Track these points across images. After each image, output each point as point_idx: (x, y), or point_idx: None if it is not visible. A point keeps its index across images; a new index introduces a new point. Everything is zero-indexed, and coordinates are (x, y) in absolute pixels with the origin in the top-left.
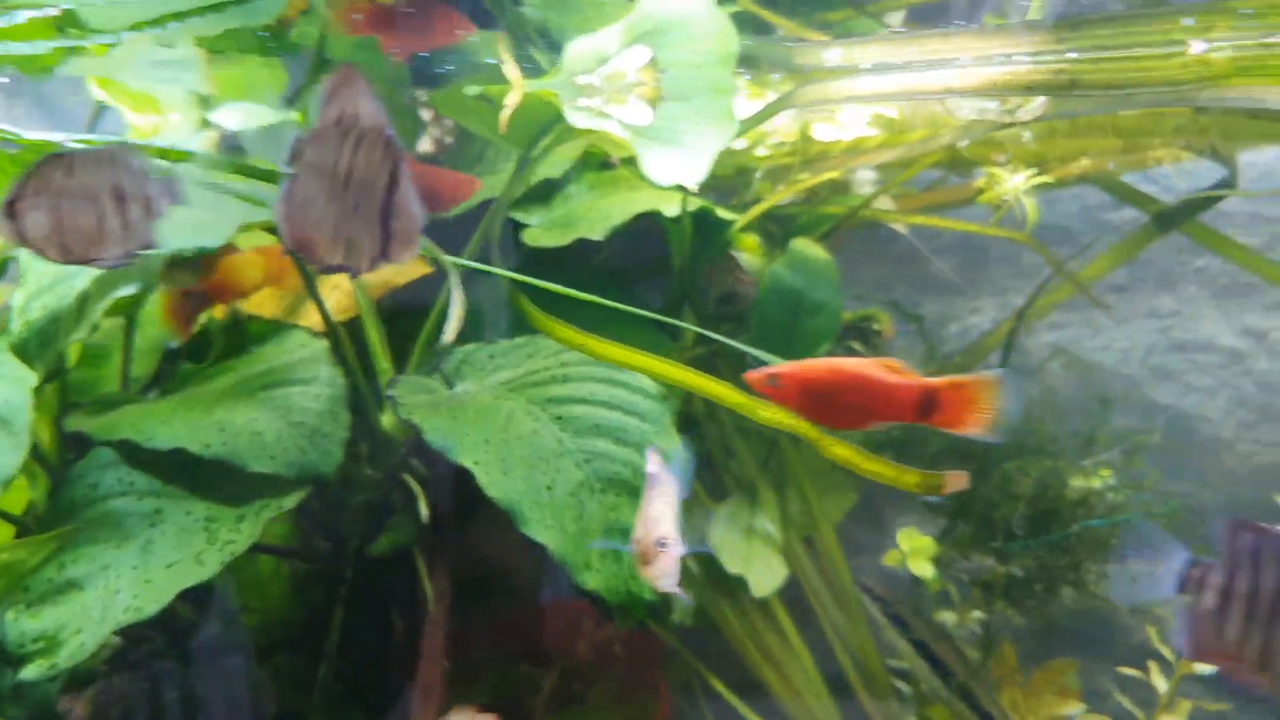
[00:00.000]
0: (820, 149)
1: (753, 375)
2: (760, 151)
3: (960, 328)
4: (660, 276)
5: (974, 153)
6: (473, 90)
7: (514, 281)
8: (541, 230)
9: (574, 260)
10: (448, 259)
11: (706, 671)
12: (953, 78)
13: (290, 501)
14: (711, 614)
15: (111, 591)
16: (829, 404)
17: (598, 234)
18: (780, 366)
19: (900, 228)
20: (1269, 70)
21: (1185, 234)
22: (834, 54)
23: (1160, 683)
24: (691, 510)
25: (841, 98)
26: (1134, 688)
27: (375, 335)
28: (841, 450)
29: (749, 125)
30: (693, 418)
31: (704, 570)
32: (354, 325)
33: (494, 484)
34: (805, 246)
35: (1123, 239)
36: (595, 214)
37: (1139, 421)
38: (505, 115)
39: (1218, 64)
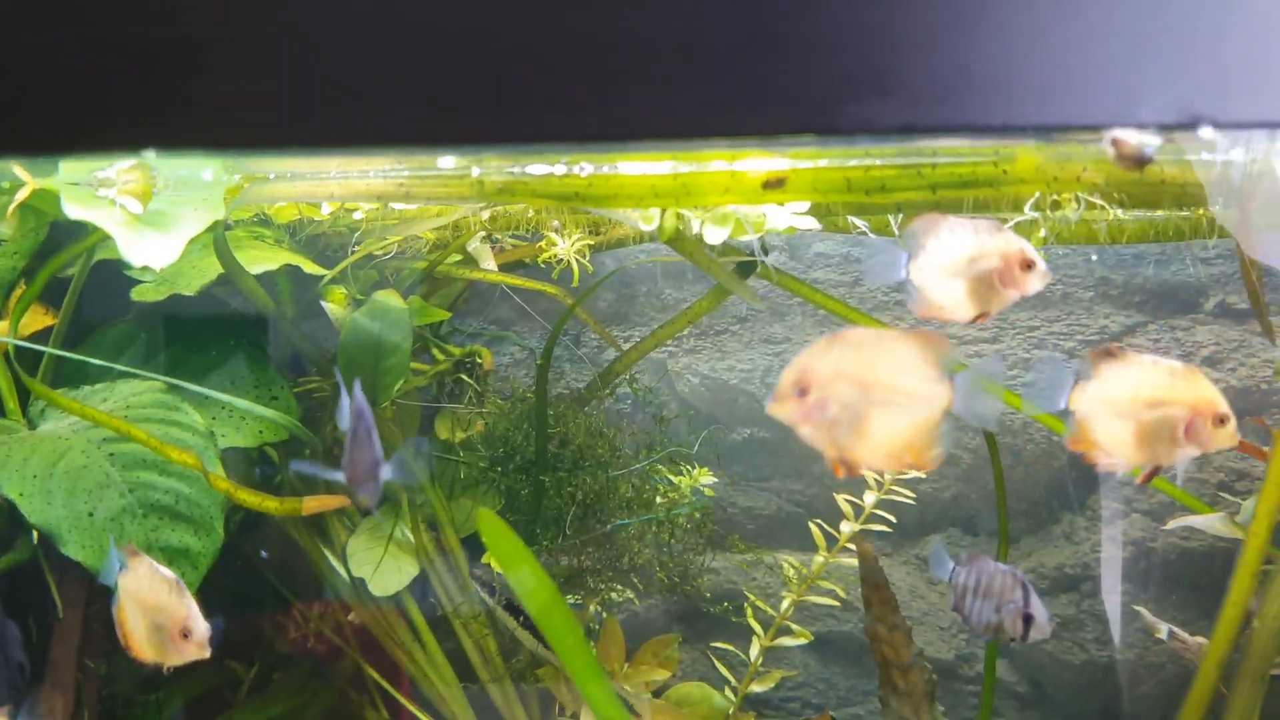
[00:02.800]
0: (397, 216)
1: None
2: (358, 215)
3: (614, 353)
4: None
5: (536, 220)
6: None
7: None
8: (149, 286)
9: (200, 310)
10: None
11: (360, 659)
12: (338, 188)
13: None
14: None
15: None
16: None
17: (191, 290)
18: None
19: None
20: (525, 189)
21: (766, 280)
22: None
23: (753, 653)
24: None
25: (282, 196)
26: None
27: (5, 384)
28: (222, 483)
29: (230, 211)
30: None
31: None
32: None
33: (35, 511)
34: (385, 297)
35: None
36: (194, 272)
37: (759, 430)
38: (12, 208)
39: (489, 185)
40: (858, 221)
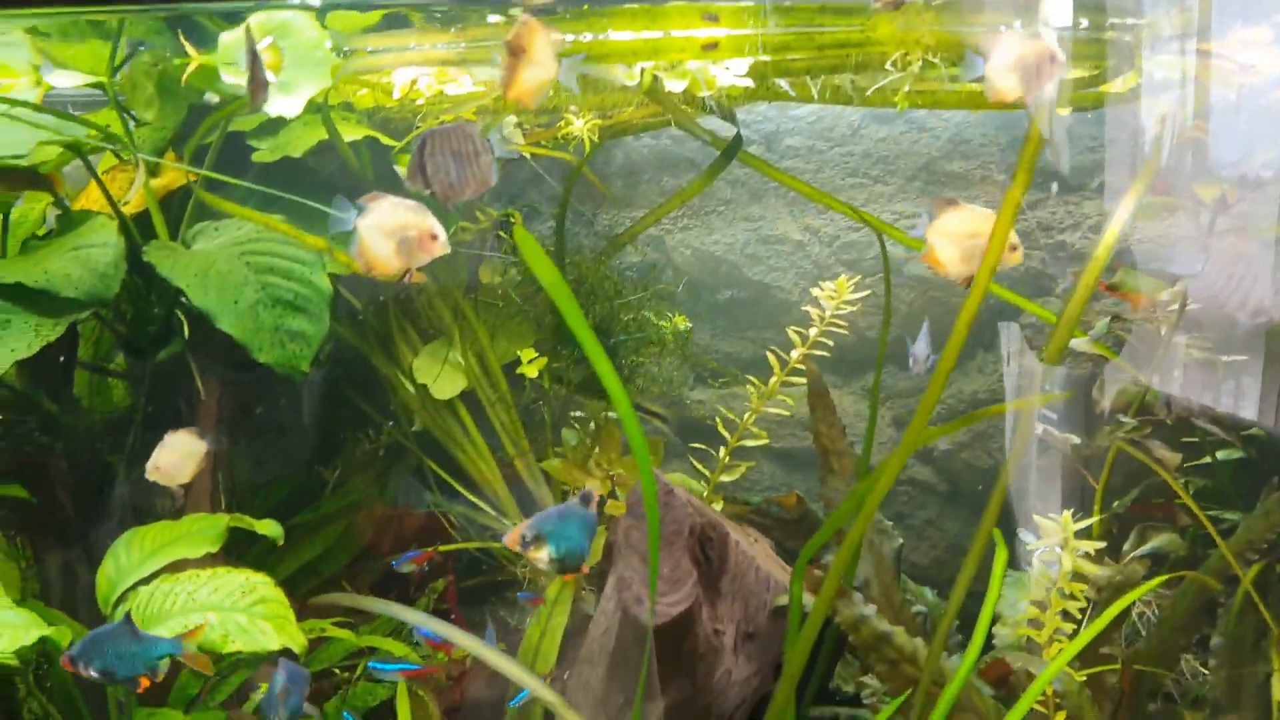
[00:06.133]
0: (454, 98)
1: None
2: (419, 102)
3: (624, 227)
4: None
5: (553, 101)
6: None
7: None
8: (265, 152)
9: (292, 170)
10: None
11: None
12: (417, 56)
13: (86, 313)
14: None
15: None
16: None
17: (295, 152)
18: None
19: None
20: None
21: (746, 165)
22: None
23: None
24: None
25: (376, 65)
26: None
27: (158, 221)
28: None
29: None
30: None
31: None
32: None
33: (199, 299)
34: None
35: (705, 170)
36: (297, 140)
37: (739, 291)
38: (185, 76)
39: None
40: (781, 83)
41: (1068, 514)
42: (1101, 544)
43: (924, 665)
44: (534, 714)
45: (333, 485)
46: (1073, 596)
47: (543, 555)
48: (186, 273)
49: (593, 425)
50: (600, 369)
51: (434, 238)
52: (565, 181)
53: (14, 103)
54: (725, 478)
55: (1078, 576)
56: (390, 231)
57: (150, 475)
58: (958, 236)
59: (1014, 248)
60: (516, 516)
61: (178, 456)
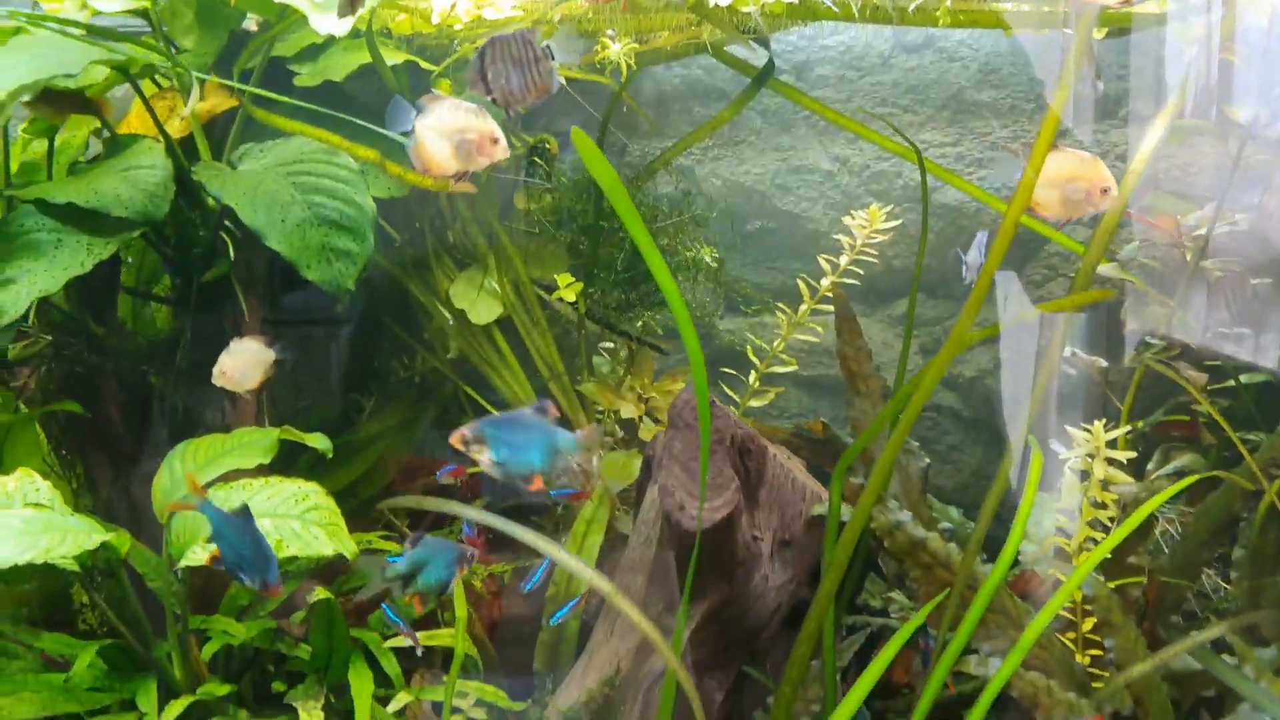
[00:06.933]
0: (491, 23)
1: None
2: (457, 28)
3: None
4: None
5: (592, 25)
6: None
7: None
8: (306, 76)
9: (332, 94)
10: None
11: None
12: None
13: (136, 232)
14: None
15: (32, 283)
16: None
17: (336, 77)
18: None
19: None
20: None
21: (778, 93)
22: None
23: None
24: None
25: None
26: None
27: (202, 144)
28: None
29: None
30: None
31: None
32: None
33: (248, 217)
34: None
35: (736, 96)
36: (338, 65)
37: (768, 221)
38: None
39: None
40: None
41: (1099, 424)
42: (1132, 453)
43: (958, 569)
44: (570, 630)
45: (369, 410)
46: (1103, 505)
47: (484, 458)
48: (235, 192)
49: (624, 351)
50: (655, 270)
51: (494, 141)
52: (607, 105)
53: (65, 21)
54: (755, 403)
55: (1106, 489)
56: (449, 133)
57: (216, 380)
58: (1057, 180)
59: (1105, 190)
60: None
61: (244, 362)
